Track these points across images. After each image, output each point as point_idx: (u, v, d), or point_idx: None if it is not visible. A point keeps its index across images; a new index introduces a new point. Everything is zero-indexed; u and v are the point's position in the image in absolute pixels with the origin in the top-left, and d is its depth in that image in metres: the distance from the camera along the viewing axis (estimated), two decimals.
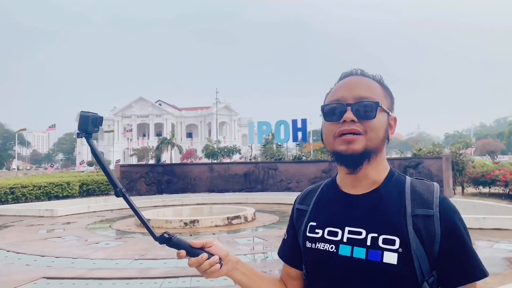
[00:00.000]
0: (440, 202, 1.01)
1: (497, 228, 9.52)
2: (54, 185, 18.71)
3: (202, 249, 1.11)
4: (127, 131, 72.73)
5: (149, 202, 17.72)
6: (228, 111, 76.70)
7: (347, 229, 1.05)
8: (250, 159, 24.75)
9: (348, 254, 1.03)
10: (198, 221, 11.25)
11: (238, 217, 11.82)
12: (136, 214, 1.10)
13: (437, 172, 15.35)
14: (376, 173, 1.08)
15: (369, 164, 1.06)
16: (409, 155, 26.23)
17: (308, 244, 1.13)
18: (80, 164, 46.76)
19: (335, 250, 1.05)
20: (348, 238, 1.04)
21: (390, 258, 0.97)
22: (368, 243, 1.00)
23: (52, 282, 6.07)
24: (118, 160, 50.74)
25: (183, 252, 1.09)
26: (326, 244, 1.07)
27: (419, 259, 0.98)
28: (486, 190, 16.28)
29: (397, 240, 0.98)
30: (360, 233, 1.03)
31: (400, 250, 0.97)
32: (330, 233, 1.08)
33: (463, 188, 16.98)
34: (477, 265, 0.99)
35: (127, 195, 1.07)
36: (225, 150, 35.03)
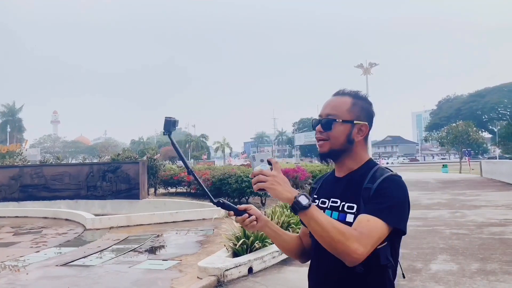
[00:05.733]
0: (381, 180, 1.43)
1: (187, 220, 11.52)
2: None
3: (245, 211, 1.54)
4: None
5: None
6: None
7: (331, 199, 1.55)
8: None
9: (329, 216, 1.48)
10: None
11: None
12: (198, 183, 1.56)
13: (134, 175, 15.99)
14: (352, 163, 1.55)
15: (346, 157, 1.54)
16: (96, 160, 26.49)
17: None
18: None
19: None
20: (330, 205, 1.53)
21: (350, 218, 1.44)
22: (340, 208, 1.49)
23: None
24: None
25: (232, 212, 1.52)
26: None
27: None
28: (173, 190, 18.92)
29: (355, 206, 1.45)
30: (337, 202, 1.52)
31: (356, 213, 1.42)
32: (322, 202, 1.58)
33: (155, 189, 18.93)
34: (388, 213, 1.36)
35: (196, 175, 1.55)
36: None
